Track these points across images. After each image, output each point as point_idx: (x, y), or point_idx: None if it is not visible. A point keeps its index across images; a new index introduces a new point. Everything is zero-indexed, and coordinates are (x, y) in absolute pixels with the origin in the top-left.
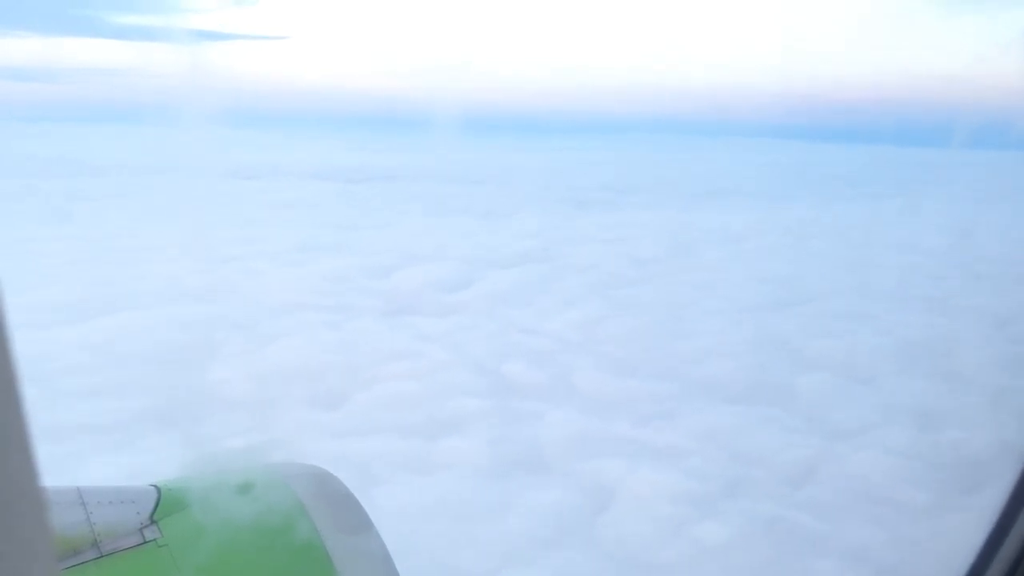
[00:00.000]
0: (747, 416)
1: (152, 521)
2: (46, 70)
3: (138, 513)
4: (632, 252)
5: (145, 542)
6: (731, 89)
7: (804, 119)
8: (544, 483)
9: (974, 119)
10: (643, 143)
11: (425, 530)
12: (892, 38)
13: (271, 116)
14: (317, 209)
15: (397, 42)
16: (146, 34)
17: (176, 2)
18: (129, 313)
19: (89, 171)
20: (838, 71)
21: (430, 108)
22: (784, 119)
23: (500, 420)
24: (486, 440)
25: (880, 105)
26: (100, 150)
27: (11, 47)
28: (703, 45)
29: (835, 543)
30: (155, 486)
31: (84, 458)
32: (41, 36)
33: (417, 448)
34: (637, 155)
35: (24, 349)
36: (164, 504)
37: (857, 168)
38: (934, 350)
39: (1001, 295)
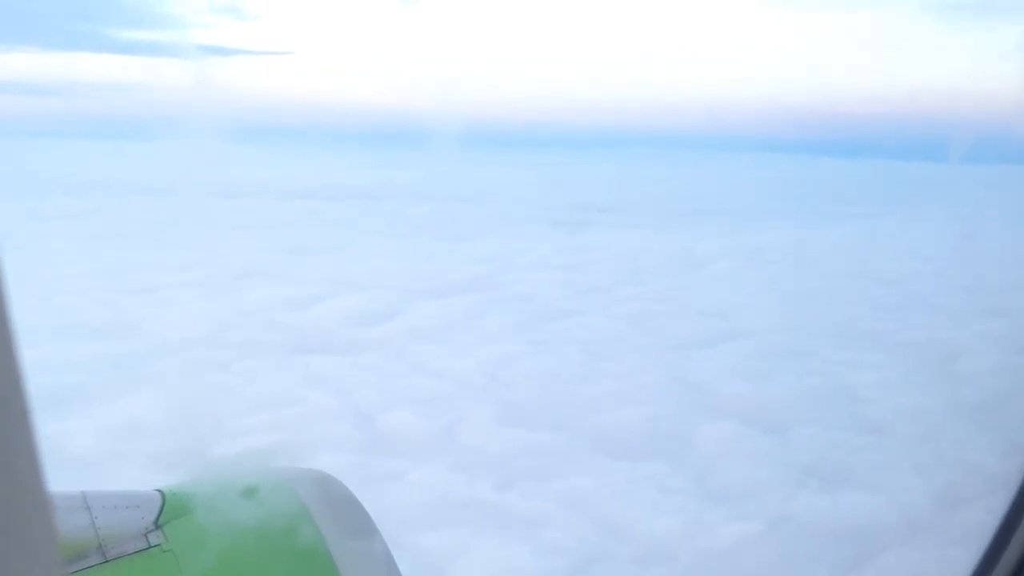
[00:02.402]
0: (630, 474)
1: (157, 526)
2: (50, 85)
3: (143, 518)
4: (579, 280)
5: (150, 547)
6: (734, 103)
7: (806, 133)
8: None
9: (974, 134)
10: (642, 157)
11: None
12: (892, 52)
13: (273, 131)
14: (281, 230)
15: (399, 57)
16: (150, 49)
17: (180, 18)
18: None
19: (66, 189)
20: (839, 85)
21: (430, 123)
22: (786, 133)
23: (354, 480)
24: None
25: (881, 119)
26: (88, 167)
27: (15, 62)
28: (705, 59)
29: None
30: (160, 491)
31: None
32: (45, 51)
33: None
34: (632, 170)
35: None
36: (169, 509)
37: (852, 184)
38: (860, 395)
39: (953, 329)
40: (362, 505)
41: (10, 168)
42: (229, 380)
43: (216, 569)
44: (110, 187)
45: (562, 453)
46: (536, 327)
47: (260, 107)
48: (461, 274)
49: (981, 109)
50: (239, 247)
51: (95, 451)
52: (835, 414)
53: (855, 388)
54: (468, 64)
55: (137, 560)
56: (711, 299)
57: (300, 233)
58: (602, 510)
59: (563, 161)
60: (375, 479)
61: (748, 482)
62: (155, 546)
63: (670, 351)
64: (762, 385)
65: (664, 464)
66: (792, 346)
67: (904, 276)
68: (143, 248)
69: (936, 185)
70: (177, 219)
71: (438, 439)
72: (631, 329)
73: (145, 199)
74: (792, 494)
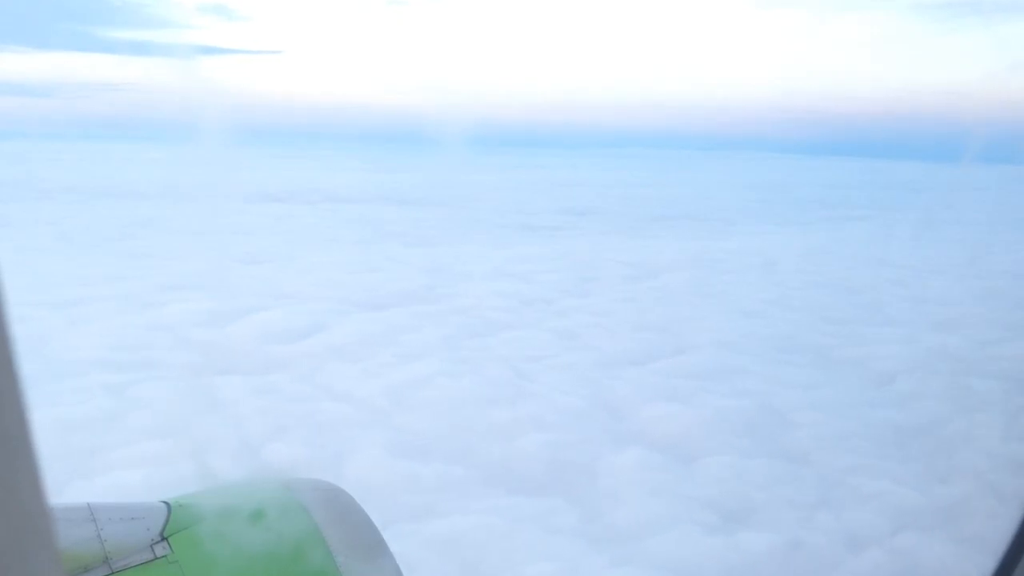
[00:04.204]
0: (519, 511)
1: (163, 537)
2: (38, 85)
3: (148, 529)
4: (526, 291)
5: (155, 558)
6: (735, 104)
7: (807, 133)
8: None
9: (966, 132)
10: (641, 158)
11: None
12: (884, 51)
13: (261, 131)
14: (241, 236)
15: (390, 57)
16: (140, 49)
17: (169, 18)
18: None
19: (38, 193)
20: (834, 84)
21: (423, 124)
22: (787, 133)
23: None
24: None
25: (875, 117)
26: (69, 169)
27: (5, 62)
28: (705, 59)
29: None
30: (166, 502)
31: None
32: (33, 51)
33: None
34: (627, 172)
35: None
36: (175, 520)
37: (843, 184)
38: (786, 419)
39: (900, 344)
40: (369, 517)
41: None
42: (118, 406)
43: None
44: (83, 191)
45: (452, 487)
46: (463, 343)
47: (249, 107)
48: (407, 284)
49: (973, 108)
50: (189, 255)
51: None
52: (754, 440)
53: (782, 411)
54: (462, 64)
55: (143, 572)
56: (657, 312)
57: (259, 240)
58: (474, 554)
59: (557, 163)
60: None
61: (642, 519)
62: (161, 558)
63: (598, 369)
64: (685, 407)
65: (559, 498)
66: (727, 363)
67: (867, 285)
68: (89, 256)
69: (926, 185)
70: (138, 224)
71: (322, 472)
72: (563, 345)
73: (116, 203)
74: (685, 533)
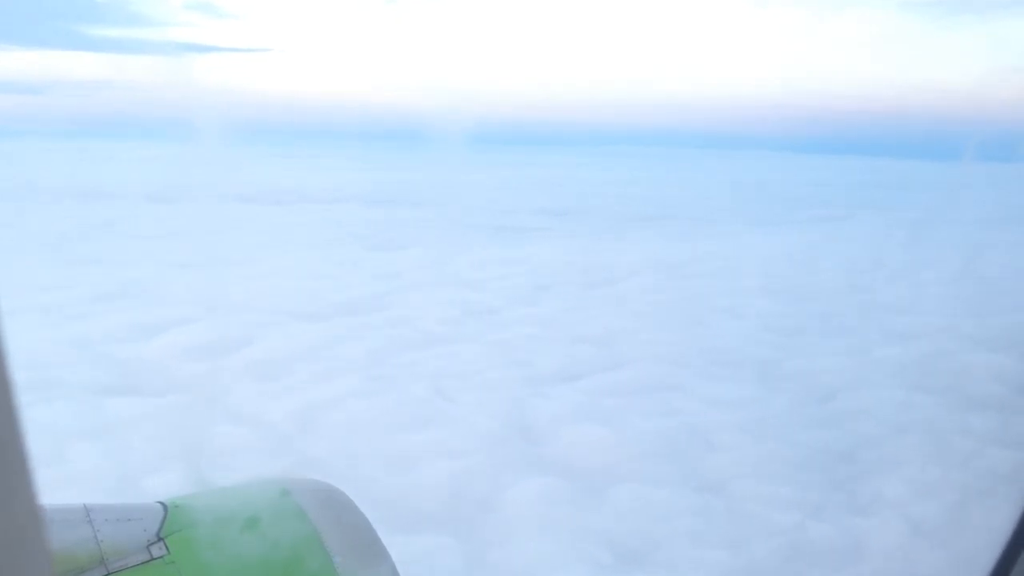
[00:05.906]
0: (403, 551)
1: (159, 538)
2: (24, 82)
3: (145, 530)
4: (475, 298)
5: (152, 559)
6: (731, 101)
7: (802, 130)
8: None
9: (966, 131)
10: (636, 156)
11: None
12: (885, 51)
13: (248, 129)
14: (196, 240)
15: (381, 54)
16: (128, 47)
17: (156, 15)
18: None
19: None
20: (834, 83)
21: (414, 121)
22: (782, 130)
23: None
24: None
25: (876, 116)
26: (44, 168)
27: None
28: (703, 57)
29: None
30: (162, 503)
31: None
32: (22, 48)
33: None
34: (619, 170)
35: None
36: (171, 521)
37: (835, 183)
38: (710, 442)
39: (847, 356)
40: (367, 519)
41: None
42: None
43: None
44: (55, 191)
45: None
46: (391, 359)
47: (237, 105)
48: (354, 292)
49: (967, 106)
50: (138, 260)
51: None
52: (672, 466)
53: (708, 432)
54: (455, 61)
55: (140, 573)
56: (603, 322)
57: (218, 243)
58: None
59: (550, 160)
60: None
61: (531, 558)
62: (158, 559)
63: (525, 386)
64: (606, 429)
65: (448, 536)
66: (661, 379)
67: (830, 290)
68: (32, 262)
69: (918, 183)
70: (98, 227)
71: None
72: (496, 359)
73: (83, 203)
74: (573, 575)
